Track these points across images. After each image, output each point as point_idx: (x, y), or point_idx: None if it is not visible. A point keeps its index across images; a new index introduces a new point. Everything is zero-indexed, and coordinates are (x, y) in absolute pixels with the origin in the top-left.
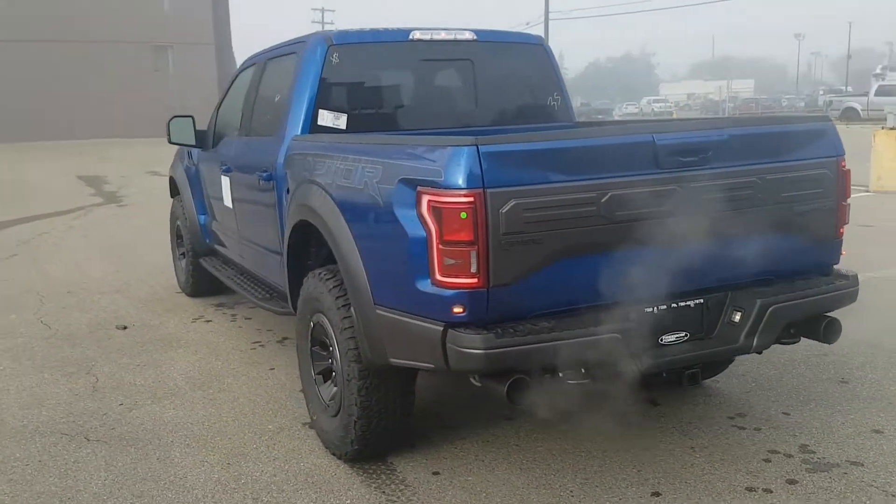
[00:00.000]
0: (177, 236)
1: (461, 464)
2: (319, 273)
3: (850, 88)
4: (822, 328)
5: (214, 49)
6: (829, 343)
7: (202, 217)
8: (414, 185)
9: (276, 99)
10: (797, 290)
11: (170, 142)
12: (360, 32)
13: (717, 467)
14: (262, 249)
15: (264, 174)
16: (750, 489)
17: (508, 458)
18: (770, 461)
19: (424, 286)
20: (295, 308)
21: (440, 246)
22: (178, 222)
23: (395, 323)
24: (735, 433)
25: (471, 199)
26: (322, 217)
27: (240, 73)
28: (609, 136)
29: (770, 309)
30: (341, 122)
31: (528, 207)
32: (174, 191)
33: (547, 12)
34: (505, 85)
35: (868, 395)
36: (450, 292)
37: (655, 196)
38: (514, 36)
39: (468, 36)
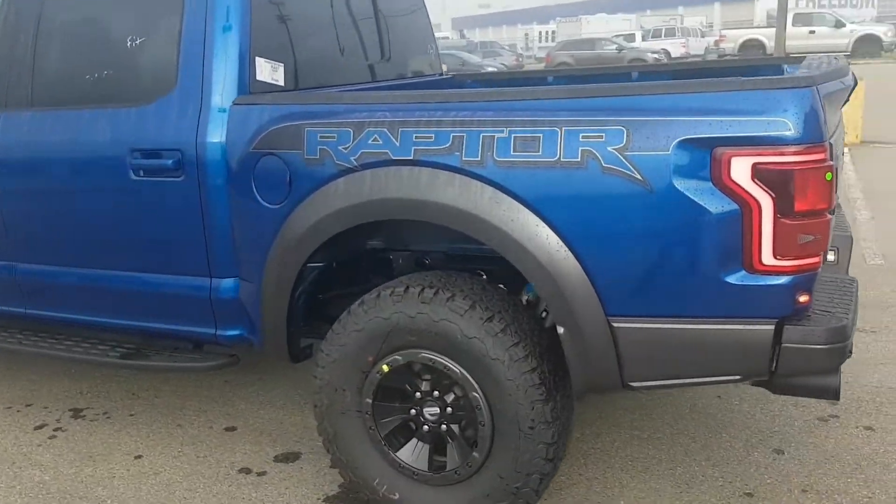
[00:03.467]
0: None
1: (634, 495)
2: (423, 291)
3: None
4: None
5: None
6: None
7: None
8: (709, 145)
9: (131, 45)
10: None
11: None
12: None
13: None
14: (129, 279)
15: (168, 161)
16: None
17: (660, 476)
18: None
19: (736, 277)
20: (294, 355)
21: (785, 220)
22: None
23: (660, 334)
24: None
25: (824, 154)
26: (470, 213)
27: None
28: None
29: None
30: (279, 74)
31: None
32: None
33: None
34: (401, 30)
35: None
36: (788, 279)
37: None
38: None
39: None
